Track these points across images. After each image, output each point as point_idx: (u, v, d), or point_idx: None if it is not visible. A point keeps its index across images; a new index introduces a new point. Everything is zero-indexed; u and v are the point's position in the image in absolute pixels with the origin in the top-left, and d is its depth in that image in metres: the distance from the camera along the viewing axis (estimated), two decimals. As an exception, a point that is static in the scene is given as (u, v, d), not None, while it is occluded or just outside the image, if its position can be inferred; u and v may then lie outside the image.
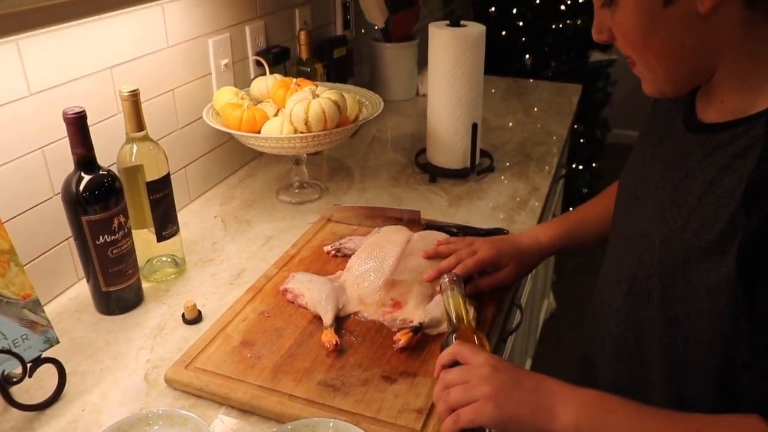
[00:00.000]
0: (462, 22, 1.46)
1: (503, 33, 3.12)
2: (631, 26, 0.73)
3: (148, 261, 1.17)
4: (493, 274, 1.09)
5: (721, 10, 0.66)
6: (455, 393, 0.75)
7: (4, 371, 0.83)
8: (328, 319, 1.00)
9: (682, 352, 0.76)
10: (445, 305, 0.95)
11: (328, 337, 0.96)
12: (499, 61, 3.17)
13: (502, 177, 1.55)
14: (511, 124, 1.93)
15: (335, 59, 1.86)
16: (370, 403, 0.87)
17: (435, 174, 1.54)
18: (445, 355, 0.81)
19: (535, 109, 2.06)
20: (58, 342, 0.91)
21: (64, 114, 0.95)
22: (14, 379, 0.85)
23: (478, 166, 1.55)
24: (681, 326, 0.75)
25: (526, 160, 1.66)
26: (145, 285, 1.14)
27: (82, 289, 1.14)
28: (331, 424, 0.82)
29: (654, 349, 0.80)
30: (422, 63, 1.82)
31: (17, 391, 0.88)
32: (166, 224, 1.14)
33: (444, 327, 0.97)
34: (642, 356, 0.82)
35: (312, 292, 1.05)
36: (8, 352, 0.82)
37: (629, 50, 0.76)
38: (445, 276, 0.99)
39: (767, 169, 0.64)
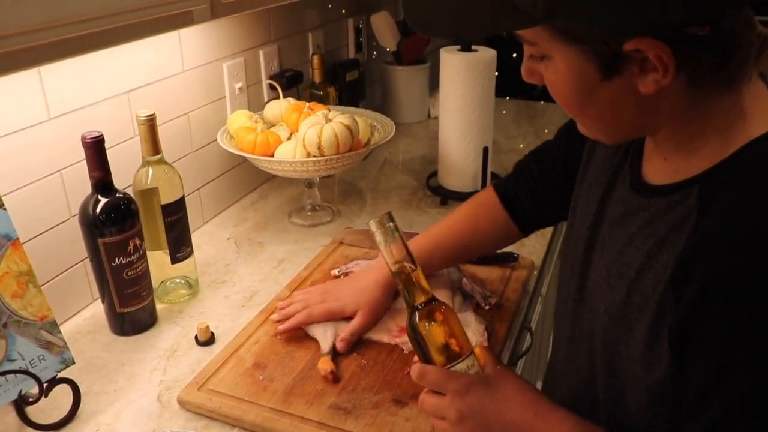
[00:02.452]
0: (473, 47, 1.48)
1: (514, 55, 3.14)
2: (565, 91, 0.67)
3: (162, 282, 1.19)
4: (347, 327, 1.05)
5: (666, 88, 0.62)
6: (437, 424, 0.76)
7: (21, 391, 0.85)
8: (325, 346, 1.01)
9: (627, 423, 0.74)
10: (384, 258, 0.79)
11: (324, 366, 0.97)
12: (510, 83, 3.19)
13: (513, 200, 1.56)
14: (521, 146, 1.94)
15: (348, 82, 1.88)
16: (381, 426, 0.87)
17: (446, 197, 1.56)
18: (417, 379, 0.77)
19: (546, 131, 2.07)
20: (73, 363, 0.92)
21: (83, 138, 0.97)
22: (30, 399, 0.87)
23: (489, 189, 1.56)
24: (624, 397, 0.74)
25: (536, 183, 1.66)
26: (158, 306, 1.16)
27: (97, 310, 1.15)
28: (343, 448, 0.83)
29: (600, 414, 0.78)
30: (434, 86, 1.84)
31: (33, 411, 0.90)
32: (180, 246, 1.16)
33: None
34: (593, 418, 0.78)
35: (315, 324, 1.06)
36: (25, 372, 0.84)
37: (564, 108, 0.70)
38: (373, 222, 0.78)
39: (694, 251, 0.60)
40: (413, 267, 0.78)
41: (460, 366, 0.76)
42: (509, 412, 0.74)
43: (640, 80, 0.62)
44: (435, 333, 0.78)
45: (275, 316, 1.09)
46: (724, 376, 0.58)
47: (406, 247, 0.78)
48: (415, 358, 0.81)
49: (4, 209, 0.83)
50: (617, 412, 0.75)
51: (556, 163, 1.03)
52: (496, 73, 3.35)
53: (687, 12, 0.57)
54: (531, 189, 1.06)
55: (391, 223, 0.78)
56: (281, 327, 1.05)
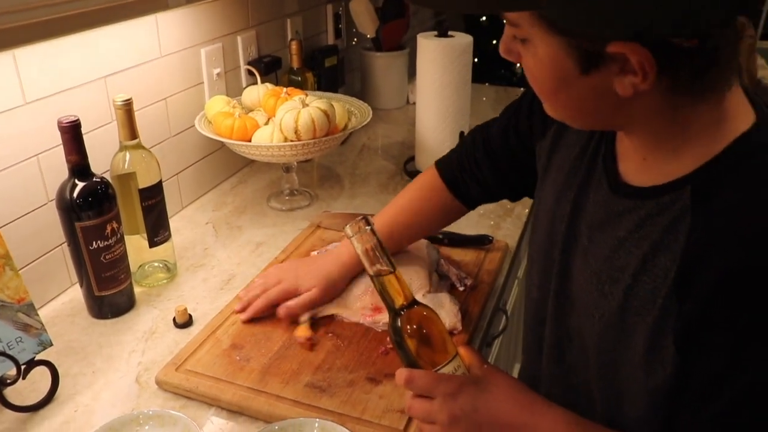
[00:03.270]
0: (450, 33, 1.50)
1: (494, 42, 3.16)
2: (541, 77, 0.68)
3: (140, 266, 1.20)
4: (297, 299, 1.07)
5: (644, 93, 0.62)
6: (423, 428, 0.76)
7: (-2, 373, 0.86)
8: (302, 316, 1.03)
9: (627, 427, 0.75)
10: (355, 248, 0.77)
11: (302, 332, 1.00)
12: (489, 69, 3.22)
13: (489, 184, 1.58)
14: (499, 132, 1.95)
15: (326, 68, 1.89)
16: (355, 403, 0.89)
17: (423, 181, 1.57)
18: (404, 384, 0.76)
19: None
20: (51, 345, 0.93)
21: (59, 123, 0.97)
22: (8, 381, 0.88)
23: (466, 174, 1.58)
24: (623, 402, 0.75)
25: (513, 168, 1.68)
26: (137, 290, 1.17)
27: (75, 294, 1.16)
28: (317, 424, 0.85)
29: (597, 418, 0.78)
30: (412, 72, 1.85)
31: (11, 393, 0.91)
32: (158, 230, 1.17)
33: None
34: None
35: (293, 295, 1.07)
36: (3, 354, 0.85)
37: (537, 91, 0.71)
38: (349, 228, 0.76)
39: (699, 251, 0.62)
40: (391, 270, 0.76)
41: (447, 368, 0.75)
42: (503, 413, 0.73)
43: (618, 80, 0.62)
44: (419, 337, 0.76)
45: (237, 306, 1.09)
46: (734, 373, 0.60)
47: (385, 251, 0.76)
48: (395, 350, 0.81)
49: (-20, 192, 0.84)
50: (616, 416, 0.76)
51: (501, 147, 1.03)
52: (476, 60, 3.38)
53: (677, 25, 0.57)
54: (474, 172, 1.06)
55: (368, 227, 0.75)
56: (242, 317, 1.06)
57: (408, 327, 0.76)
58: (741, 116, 0.66)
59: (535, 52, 0.66)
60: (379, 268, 0.75)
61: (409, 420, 0.86)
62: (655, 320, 0.66)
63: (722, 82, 0.64)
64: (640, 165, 0.72)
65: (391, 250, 0.81)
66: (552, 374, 0.90)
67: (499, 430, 0.73)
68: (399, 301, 0.76)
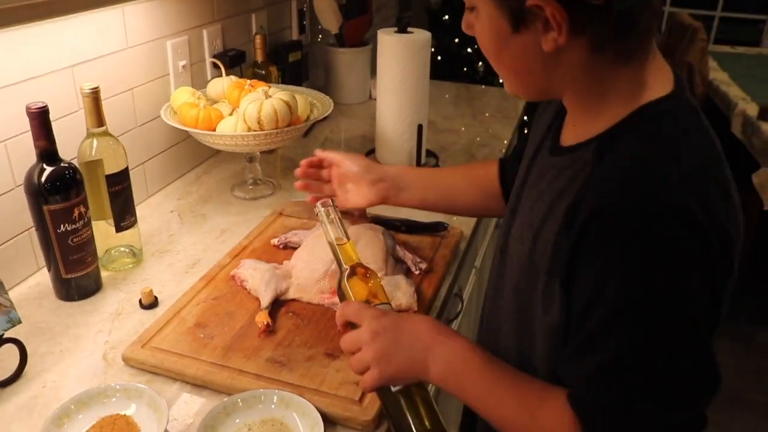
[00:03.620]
0: (409, 29, 1.56)
1: (456, 40, 3.23)
2: (486, 40, 0.77)
3: (106, 251, 1.23)
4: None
5: (565, 51, 0.71)
6: (354, 363, 0.85)
7: (-31, 347, 0.89)
8: (264, 302, 1.08)
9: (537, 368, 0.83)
10: (327, 237, 0.98)
11: (261, 318, 1.05)
12: (453, 68, 3.29)
13: (447, 176, 1.64)
14: (459, 127, 2.02)
15: (290, 63, 1.93)
16: (313, 376, 0.95)
17: (384, 173, 1.63)
18: (339, 318, 0.88)
19: (485, 114, 2.16)
20: (20, 322, 0.96)
21: (28, 108, 1.01)
22: (-21, 355, 0.91)
23: (424, 165, 1.64)
24: (535, 344, 0.82)
25: (470, 161, 1.75)
26: (103, 274, 1.20)
27: (42, 278, 1.19)
28: (276, 395, 0.90)
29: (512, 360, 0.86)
30: (375, 68, 1.91)
31: (-20, 369, 0.94)
32: (124, 216, 1.20)
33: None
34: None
35: (255, 278, 1.13)
36: (-27, 329, 0.88)
37: (487, 56, 0.80)
38: (319, 205, 0.99)
39: (581, 195, 0.69)
40: (346, 240, 0.97)
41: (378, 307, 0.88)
42: (417, 332, 0.84)
43: (543, 38, 0.70)
44: (358, 286, 0.91)
45: None
46: (596, 308, 0.68)
47: (344, 226, 0.98)
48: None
49: (-48, 174, 0.87)
50: (532, 358, 0.84)
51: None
52: (439, 58, 3.45)
53: None
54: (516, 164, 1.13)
55: (333, 204, 0.99)
56: None
57: (350, 279, 0.92)
58: (658, 86, 0.73)
59: (481, 18, 0.76)
60: (339, 236, 0.97)
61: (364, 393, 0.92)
62: (550, 258, 0.74)
63: (640, 49, 0.72)
64: (572, 129, 0.81)
65: (426, 203, 1.18)
66: (488, 328, 0.98)
67: (412, 344, 0.83)
68: (348, 262, 0.94)
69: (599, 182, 0.69)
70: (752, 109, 2.88)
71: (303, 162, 1.20)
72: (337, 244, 0.96)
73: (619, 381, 0.68)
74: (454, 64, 3.22)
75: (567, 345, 0.74)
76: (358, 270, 0.92)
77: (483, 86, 2.53)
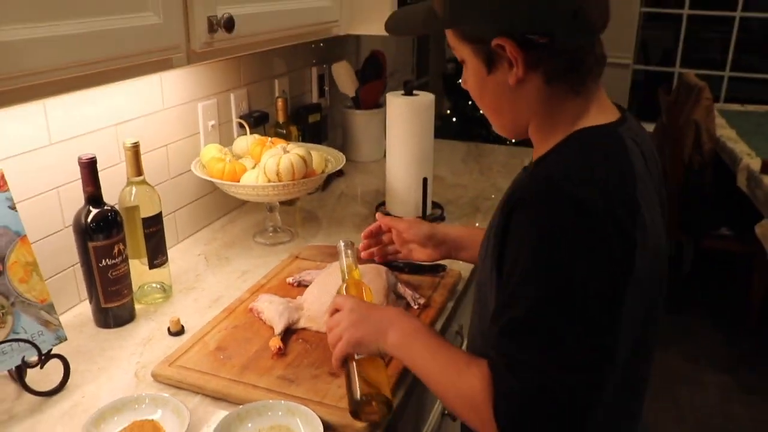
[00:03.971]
0: (414, 92, 1.73)
1: (470, 103, 3.42)
2: (472, 85, 0.96)
3: (140, 287, 1.38)
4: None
5: (527, 84, 0.89)
6: (330, 336, 1.07)
7: (24, 357, 1.04)
8: (278, 329, 1.22)
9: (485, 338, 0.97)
10: (340, 263, 1.27)
11: (274, 342, 1.18)
12: (468, 129, 3.48)
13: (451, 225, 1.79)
14: (467, 182, 2.17)
15: (310, 123, 2.11)
16: (317, 391, 1.08)
17: (392, 222, 1.77)
18: (331, 305, 1.09)
19: (491, 169, 2.32)
20: (66, 339, 1.11)
21: (79, 159, 1.18)
22: (30, 365, 1.06)
23: (430, 216, 1.79)
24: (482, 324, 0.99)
25: (474, 212, 1.90)
26: (137, 306, 1.35)
27: (83, 309, 1.34)
28: (283, 404, 1.03)
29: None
30: (387, 128, 2.08)
31: (29, 382, 1.09)
32: (157, 254, 1.36)
33: None
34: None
35: (270, 309, 1.27)
36: (29, 341, 1.03)
37: (475, 100, 0.99)
38: (341, 241, 1.30)
39: (515, 192, 0.85)
40: (355, 267, 1.25)
41: None
42: (386, 311, 1.09)
43: (509, 74, 0.89)
44: (351, 288, 1.16)
45: None
46: (510, 279, 0.83)
47: (355, 260, 1.27)
48: None
49: (16, 211, 1.04)
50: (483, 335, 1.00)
51: None
52: (454, 120, 3.64)
53: (529, 24, 0.85)
54: None
55: (351, 245, 1.31)
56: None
57: (345, 285, 1.18)
58: (598, 117, 0.91)
59: (467, 67, 0.95)
60: (350, 263, 1.26)
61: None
62: (492, 251, 0.89)
63: (586, 85, 0.90)
64: (535, 153, 0.97)
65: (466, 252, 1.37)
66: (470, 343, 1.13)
67: (380, 319, 1.04)
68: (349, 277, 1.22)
69: (525, 184, 0.86)
70: (756, 164, 3.00)
71: (363, 234, 1.45)
72: (347, 270, 1.22)
73: (522, 336, 0.81)
74: (467, 125, 3.40)
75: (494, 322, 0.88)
76: (351, 279, 1.16)
77: (495, 145, 2.69)
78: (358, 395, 0.98)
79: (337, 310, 1.09)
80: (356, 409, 0.99)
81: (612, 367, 0.82)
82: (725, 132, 3.58)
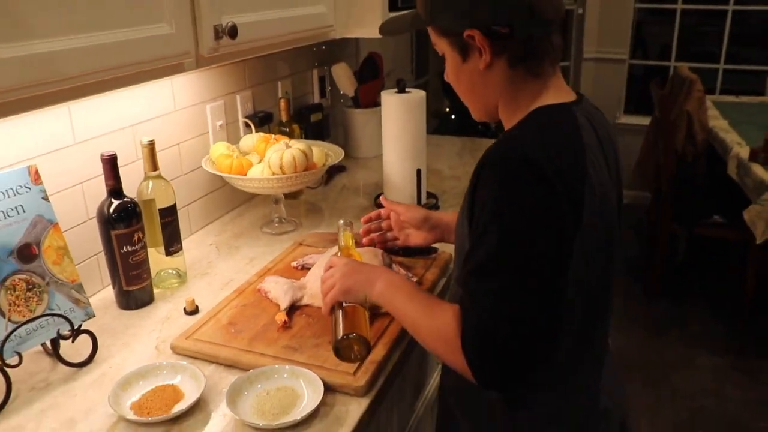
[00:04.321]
0: (407, 89, 1.85)
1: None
2: (450, 74, 1.11)
3: (157, 272, 1.51)
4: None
5: (494, 68, 1.03)
6: (323, 287, 1.25)
7: (59, 330, 1.17)
8: (283, 305, 1.35)
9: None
10: (339, 238, 1.43)
11: (280, 317, 1.31)
12: (468, 125, 3.60)
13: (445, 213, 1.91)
14: (461, 174, 2.30)
15: (312, 123, 2.25)
16: (319, 357, 1.20)
17: (390, 211, 1.90)
18: (326, 264, 1.26)
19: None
20: (94, 315, 1.25)
21: (102, 156, 1.31)
22: (64, 337, 1.19)
23: (425, 204, 1.91)
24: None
25: (467, 201, 2.02)
26: (155, 291, 1.48)
27: (106, 294, 1.48)
28: (287, 368, 1.16)
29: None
30: (384, 124, 2.20)
31: (62, 354, 1.22)
32: (172, 243, 1.50)
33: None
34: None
35: (276, 289, 1.40)
36: (63, 316, 1.17)
37: (453, 87, 1.12)
38: (341, 220, 1.45)
39: (482, 158, 0.97)
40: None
41: None
42: (375, 267, 1.27)
43: (480, 61, 1.03)
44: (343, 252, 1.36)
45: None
46: (475, 230, 0.96)
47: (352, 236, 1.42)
48: None
49: (49, 202, 1.18)
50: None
51: None
52: (453, 117, 3.75)
53: (492, 17, 1.00)
54: None
55: (350, 225, 1.44)
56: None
57: (340, 252, 1.36)
58: (557, 96, 1.05)
59: (447, 59, 1.10)
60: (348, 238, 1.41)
61: (358, 367, 1.17)
62: (465, 206, 1.03)
63: (543, 69, 1.04)
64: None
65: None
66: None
67: (369, 271, 1.22)
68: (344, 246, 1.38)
69: (490, 151, 0.98)
70: (745, 152, 3.11)
71: (363, 219, 1.59)
72: (344, 240, 1.38)
73: (485, 275, 0.94)
74: (466, 122, 3.52)
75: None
76: (351, 250, 1.31)
77: (490, 139, 2.81)
78: (340, 334, 1.14)
79: (331, 267, 1.25)
80: (338, 347, 1.15)
81: (560, 303, 0.96)
82: (718, 123, 3.69)
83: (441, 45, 1.10)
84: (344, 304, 1.20)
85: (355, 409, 1.11)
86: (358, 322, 1.17)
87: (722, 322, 3.45)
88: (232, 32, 1.26)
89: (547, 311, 0.95)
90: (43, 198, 1.18)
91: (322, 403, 1.09)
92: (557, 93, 1.06)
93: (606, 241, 1.03)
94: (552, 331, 0.97)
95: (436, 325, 1.03)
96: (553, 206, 0.92)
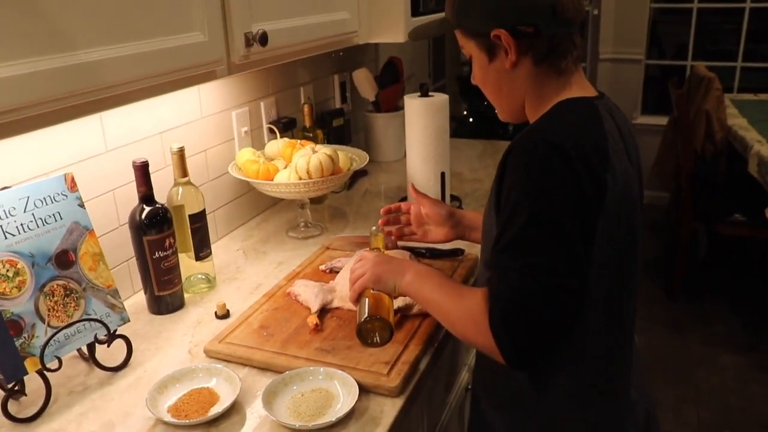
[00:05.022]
0: (430, 93, 1.86)
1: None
2: (477, 75, 1.15)
3: (187, 278, 1.53)
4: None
5: (519, 67, 1.07)
6: (352, 276, 1.27)
7: (96, 334, 1.19)
8: (314, 308, 1.36)
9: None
10: (370, 241, 1.43)
11: (312, 320, 1.33)
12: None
13: (469, 215, 1.92)
14: (483, 177, 2.31)
15: (334, 127, 2.26)
16: (352, 359, 1.21)
17: (414, 214, 1.91)
18: (356, 257, 1.34)
19: (506, 165, 2.44)
20: (129, 320, 1.27)
21: (134, 163, 1.33)
22: (100, 342, 1.21)
23: (449, 207, 1.92)
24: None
25: (490, 203, 2.02)
26: (185, 295, 1.50)
27: (137, 299, 1.50)
28: (322, 370, 1.17)
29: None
30: (406, 128, 2.21)
31: (98, 359, 1.24)
32: (202, 248, 1.51)
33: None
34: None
35: (306, 292, 1.41)
36: (100, 321, 1.19)
37: (481, 88, 1.16)
38: (373, 227, 1.45)
39: (506, 150, 1.01)
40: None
41: None
42: (405, 260, 1.27)
43: (506, 61, 1.07)
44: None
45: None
46: (504, 213, 0.99)
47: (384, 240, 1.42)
48: None
49: (84, 209, 1.20)
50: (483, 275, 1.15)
51: None
52: (471, 120, 3.76)
53: (517, 17, 1.04)
54: None
55: (382, 229, 1.45)
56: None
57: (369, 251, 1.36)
58: (580, 92, 1.08)
59: (474, 62, 1.14)
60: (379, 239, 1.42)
61: (391, 369, 1.18)
62: (492, 193, 1.06)
63: (567, 67, 1.08)
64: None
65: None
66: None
67: (399, 264, 1.24)
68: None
69: (516, 140, 1.01)
70: (766, 150, 3.09)
71: (382, 210, 1.60)
72: (374, 240, 1.40)
73: (512, 250, 0.97)
74: (483, 125, 3.53)
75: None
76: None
77: (509, 141, 2.82)
78: (364, 316, 1.18)
79: (361, 260, 1.28)
80: (361, 328, 1.18)
81: (584, 279, 0.98)
82: (737, 121, 3.67)
83: (468, 47, 1.14)
84: (372, 291, 1.22)
85: (389, 409, 1.12)
86: (382, 307, 1.20)
87: (744, 320, 3.43)
88: (263, 39, 1.28)
89: (571, 286, 0.97)
90: (79, 205, 1.20)
91: (357, 404, 1.10)
92: (580, 89, 1.09)
93: (629, 227, 1.05)
94: (575, 307, 0.99)
95: (465, 307, 1.06)
96: (577, 187, 0.95)
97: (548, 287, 0.95)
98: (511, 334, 0.97)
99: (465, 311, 1.06)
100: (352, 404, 1.09)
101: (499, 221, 1.01)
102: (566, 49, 1.07)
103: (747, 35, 4.60)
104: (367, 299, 1.21)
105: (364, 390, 1.14)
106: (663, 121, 4.13)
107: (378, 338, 1.19)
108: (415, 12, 1.90)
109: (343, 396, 1.13)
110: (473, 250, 1.65)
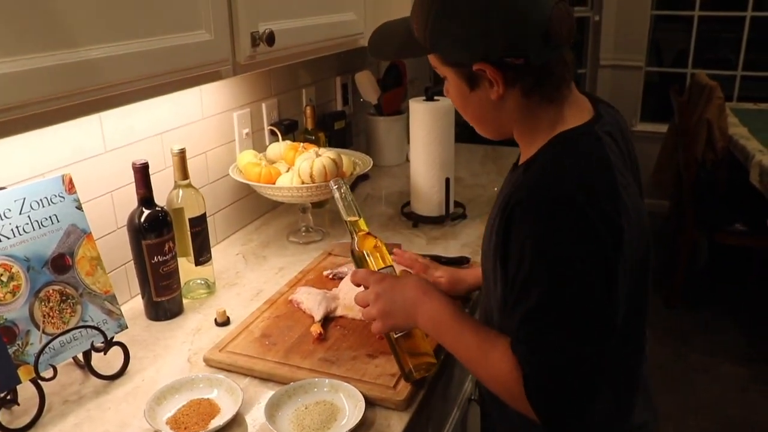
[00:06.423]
0: (435, 97, 1.83)
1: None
2: (455, 99, 1.05)
3: (186, 283, 1.49)
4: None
5: (506, 99, 0.97)
6: (364, 315, 1.15)
7: (92, 342, 1.15)
8: (317, 317, 1.32)
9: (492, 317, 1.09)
10: (342, 218, 1.25)
11: (315, 328, 1.29)
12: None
13: (473, 222, 1.89)
14: (485, 182, 2.27)
15: (336, 130, 2.22)
16: (357, 370, 1.17)
17: (417, 221, 1.88)
18: (352, 278, 1.19)
19: (507, 170, 2.40)
20: (127, 327, 1.22)
21: (133, 164, 1.29)
22: (97, 350, 1.17)
23: (452, 214, 1.89)
24: (492, 316, 1.09)
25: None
26: (184, 301, 1.46)
27: (134, 304, 1.45)
28: (327, 382, 1.13)
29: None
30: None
31: (94, 366, 1.20)
32: (202, 252, 1.47)
33: None
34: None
35: (309, 300, 1.37)
36: (96, 328, 1.14)
37: (458, 110, 1.08)
38: (332, 183, 1.24)
39: (513, 193, 0.93)
40: (358, 217, 1.23)
41: (382, 271, 1.17)
42: (408, 291, 1.11)
43: (490, 91, 0.97)
44: (365, 245, 1.20)
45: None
46: (518, 273, 0.92)
47: (354, 205, 1.23)
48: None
49: (82, 211, 1.16)
50: (491, 324, 1.09)
51: None
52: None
53: (503, 50, 0.93)
54: None
55: (344, 185, 1.24)
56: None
57: (358, 241, 1.21)
58: (573, 119, 1.00)
59: (450, 83, 1.04)
60: (351, 213, 1.23)
61: (398, 380, 1.14)
62: (495, 246, 0.98)
63: (559, 93, 0.98)
64: (522, 155, 1.07)
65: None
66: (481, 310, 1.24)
67: (405, 302, 1.10)
68: (358, 231, 1.22)
69: (521, 185, 0.94)
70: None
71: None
72: (350, 220, 1.22)
73: (539, 321, 0.91)
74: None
75: (506, 306, 0.98)
76: (363, 236, 1.21)
77: (511, 147, 2.79)
78: (407, 369, 1.12)
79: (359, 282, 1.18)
80: (407, 376, 1.13)
81: (613, 336, 0.93)
82: (737, 130, 3.65)
83: (442, 71, 1.03)
84: (395, 335, 1.13)
85: (396, 423, 1.08)
86: (417, 347, 1.14)
87: (745, 330, 3.40)
88: (270, 39, 1.24)
89: (605, 342, 0.92)
90: (76, 207, 1.16)
91: (363, 418, 1.06)
92: (575, 114, 1.00)
93: (641, 261, 1.00)
94: (607, 358, 0.94)
95: (492, 371, 0.99)
96: (594, 238, 0.89)
97: (585, 358, 0.90)
98: (552, 405, 0.92)
99: (493, 374, 0.99)
100: (359, 418, 1.05)
101: (513, 282, 0.94)
102: (559, 75, 0.97)
103: (747, 44, 4.58)
104: (396, 345, 1.13)
105: (369, 403, 1.10)
106: (662, 128, 4.11)
107: (425, 374, 1.15)
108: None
109: (349, 409, 1.09)
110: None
